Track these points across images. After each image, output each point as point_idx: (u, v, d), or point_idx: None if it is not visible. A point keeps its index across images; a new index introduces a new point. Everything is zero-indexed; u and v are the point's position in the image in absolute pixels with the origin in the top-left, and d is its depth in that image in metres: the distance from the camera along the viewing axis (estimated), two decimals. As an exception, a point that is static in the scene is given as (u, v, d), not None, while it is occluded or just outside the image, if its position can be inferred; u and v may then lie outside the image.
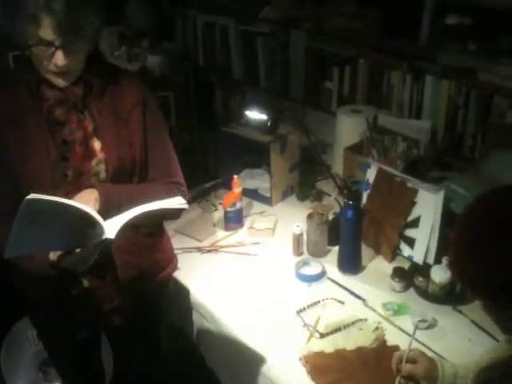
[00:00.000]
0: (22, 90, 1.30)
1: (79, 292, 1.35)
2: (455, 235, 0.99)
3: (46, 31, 1.17)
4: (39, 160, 1.29)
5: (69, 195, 1.22)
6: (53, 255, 1.17)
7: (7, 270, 1.38)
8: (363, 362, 1.39)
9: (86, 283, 1.36)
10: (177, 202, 1.25)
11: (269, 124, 1.95)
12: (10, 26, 1.21)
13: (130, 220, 1.17)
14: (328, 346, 1.44)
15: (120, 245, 1.27)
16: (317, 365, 1.39)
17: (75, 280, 1.32)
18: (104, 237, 1.13)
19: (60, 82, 1.28)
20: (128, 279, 1.43)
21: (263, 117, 1.98)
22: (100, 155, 1.33)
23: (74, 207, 1.06)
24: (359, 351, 1.42)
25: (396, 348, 1.41)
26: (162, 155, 1.43)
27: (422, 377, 1.24)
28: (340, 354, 1.42)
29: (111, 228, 1.13)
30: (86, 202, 1.16)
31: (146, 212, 1.18)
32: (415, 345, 1.45)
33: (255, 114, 1.99)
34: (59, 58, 1.21)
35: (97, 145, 1.33)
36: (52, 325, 1.48)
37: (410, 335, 1.46)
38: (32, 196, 0.99)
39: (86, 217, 1.09)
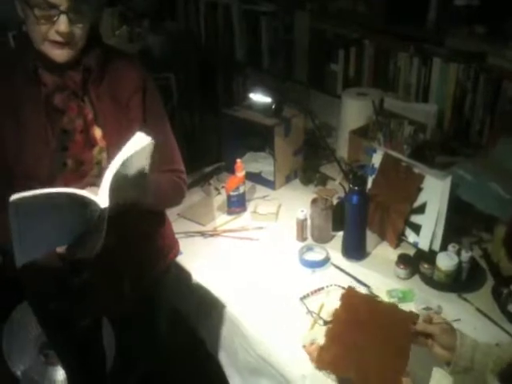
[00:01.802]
0: (19, 75, 1.24)
1: (81, 281, 1.33)
2: None
3: None
4: (37, 148, 1.24)
5: (69, 184, 1.19)
6: (59, 248, 1.15)
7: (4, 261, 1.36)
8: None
9: (87, 272, 1.33)
10: (140, 140, 1.14)
11: (273, 107, 1.91)
12: None
13: (113, 181, 1.10)
14: (332, 333, 1.42)
15: (121, 232, 1.24)
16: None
17: (77, 269, 1.30)
18: (100, 208, 1.09)
19: (58, 55, 1.20)
20: (130, 267, 1.41)
21: (267, 100, 1.94)
22: (101, 143, 1.29)
23: (58, 193, 1.02)
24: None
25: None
26: (162, 142, 1.39)
27: (438, 333, 1.21)
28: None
29: (102, 198, 1.09)
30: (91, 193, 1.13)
31: (121, 164, 1.10)
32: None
33: (259, 97, 1.95)
34: (62, 24, 1.15)
35: (97, 133, 1.29)
36: (52, 314, 1.46)
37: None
38: (14, 197, 0.96)
39: (75, 198, 1.05)
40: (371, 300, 1.44)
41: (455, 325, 1.26)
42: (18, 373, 2.17)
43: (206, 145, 2.57)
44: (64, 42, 1.19)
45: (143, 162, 1.19)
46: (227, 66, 2.96)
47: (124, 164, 1.12)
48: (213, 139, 2.55)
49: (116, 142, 1.24)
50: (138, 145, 1.14)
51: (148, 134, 1.33)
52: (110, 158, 1.27)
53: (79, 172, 1.28)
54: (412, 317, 1.30)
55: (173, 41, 2.86)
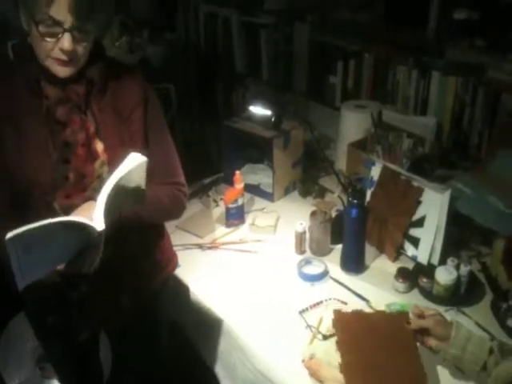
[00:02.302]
0: (21, 86, 1.24)
1: (79, 295, 1.32)
2: None
3: (59, 9, 1.11)
4: (38, 161, 1.24)
5: (71, 198, 1.19)
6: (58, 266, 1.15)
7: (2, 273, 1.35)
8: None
9: (85, 286, 1.33)
10: (134, 160, 1.16)
11: (273, 120, 1.91)
12: (14, 5, 1.16)
13: (108, 201, 1.11)
14: (331, 347, 1.41)
15: (120, 246, 1.24)
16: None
17: (76, 283, 1.29)
18: (97, 231, 1.09)
19: (60, 71, 1.21)
20: (128, 280, 1.40)
21: (267, 112, 1.94)
22: (103, 157, 1.29)
23: (53, 223, 1.03)
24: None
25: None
26: (163, 155, 1.40)
27: (432, 327, 1.26)
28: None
29: (98, 221, 1.09)
30: (87, 214, 1.13)
31: (115, 185, 1.11)
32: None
33: (259, 110, 1.95)
34: (66, 42, 1.15)
35: (99, 146, 1.29)
36: (50, 328, 1.45)
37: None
38: (10, 234, 0.96)
39: (71, 226, 1.06)
40: (361, 314, 1.42)
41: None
42: (14, 386, 2.14)
43: (205, 155, 2.57)
44: (67, 59, 1.19)
45: (138, 181, 1.20)
46: (227, 77, 2.97)
47: (118, 184, 1.13)
48: (212, 150, 2.55)
49: (118, 155, 1.24)
50: (132, 164, 1.15)
51: (149, 149, 1.34)
52: (111, 171, 1.27)
53: (80, 185, 1.28)
54: (404, 317, 1.31)
55: (172, 51, 2.87)
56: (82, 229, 1.07)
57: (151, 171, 1.36)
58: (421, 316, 1.32)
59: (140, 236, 1.39)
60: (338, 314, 1.42)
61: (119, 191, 1.15)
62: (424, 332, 1.29)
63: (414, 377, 1.25)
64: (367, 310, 1.56)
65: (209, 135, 2.69)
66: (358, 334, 1.34)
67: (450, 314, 1.53)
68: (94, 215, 1.09)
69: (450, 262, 1.60)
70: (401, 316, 1.35)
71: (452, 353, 1.23)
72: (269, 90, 2.72)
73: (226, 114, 2.65)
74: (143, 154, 1.30)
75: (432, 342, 1.27)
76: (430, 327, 1.27)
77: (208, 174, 2.30)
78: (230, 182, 2.20)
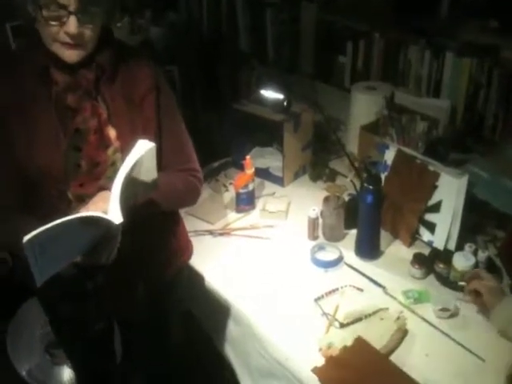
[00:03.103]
0: (27, 74, 1.20)
1: (95, 285, 1.30)
2: None
3: None
4: (49, 149, 1.20)
5: (84, 187, 1.15)
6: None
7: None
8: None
9: (101, 277, 1.30)
10: (143, 147, 1.14)
11: (285, 104, 1.87)
12: None
13: (122, 192, 1.09)
14: (348, 336, 1.39)
15: (134, 234, 1.21)
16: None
17: (92, 274, 1.27)
18: (115, 224, 1.07)
19: (68, 55, 1.17)
20: (144, 269, 1.37)
21: (279, 96, 1.89)
22: (116, 144, 1.25)
23: (70, 220, 1.01)
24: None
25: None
26: (177, 142, 1.36)
27: (484, 292, 1.34)
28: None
29: (115, 214, 1.07)
30: (103, 204, 1.10)
31: (127, 174, 1.10)
32: (437, 334, 1.43)
33: (270, 93, 1.91)
34: (72, 25, 1.11)
35: (112, 133, 1.25)
36: (65, 318, 1.43)
37: (432, 325, 1.44)
38: (27, 237, 0.95)
39: (88, 220, 1.04)
40: (380, 356, 1.35)
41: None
42: (23, 373, 2.13)
43: (211, 139, 2.52)
44: (74, 43, 1.15)
45: (149, 167, 1.17)
46: (231, 59, 2.90)
47: (130, 172, 1.11)
48: (216, 133, 2.50)
49: (131, 142, 1.21)
50: (142, 151, 1.13)
51: (162, 136, 1.30)
52: (125, 158, 1.23)
53: (94, 174, 1.24)
54: None
55: (175, 32, 2.80)
56: (100, 222, 1.04)
57: (165, 158, 1.33)
58: (477, 277, 1.39)
59: (156, 224, 1.36)
60: (360, 341, 1.37)
61: (132, 180, 1.13)
62: (477, 293, 1.37)
63: None
64: (384, 296, 1.55)
65: (214, 118, 2.64)
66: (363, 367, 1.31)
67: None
68: (110, 207, 1.06)
69: (468, 247, 1.58)
70: None
71: (496, 325, 1.32)
72: (275, 71, 2.66)
73: (231, 97, 2.60)
74: (156, 141, 1.27)
75: (480, 304, 1.38)
76: (483, 292, 1.34)
77: (215, 158, 2.25)
78: (238, 165, 2.17)
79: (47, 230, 0.97)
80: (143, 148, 1.13)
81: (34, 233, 0.95)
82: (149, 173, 1.18)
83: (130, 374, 1.76)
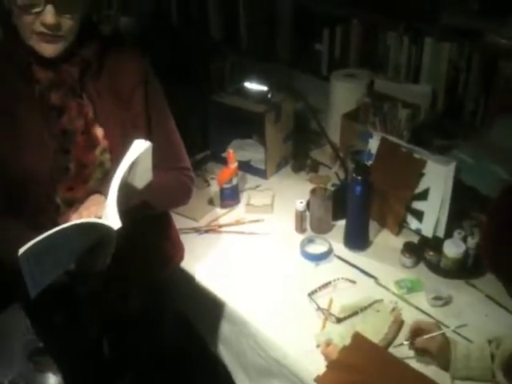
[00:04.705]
0: (10, 72, 1.13)
1: (87, 290, 1.25)
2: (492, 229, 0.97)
3: None
4: (34, 151, 1.14)
5: (73, 190, 1.09)
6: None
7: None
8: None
9: (94, 282, 1.25)
10: (139, 146, 1.09)
11: (269, 95, 1.82)
12: None
13: (119, 197, 1.05)
14: (346, 331, 1.38)
15: (129, 237, 1.16)
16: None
17: (85, 280, 1.21)
18: (114, 230, 1.02)
19: (46, 49, 1.10)
20: (136, 271, 1.33)
21: (263, 88, 1.85)
22: (103, 143, 1.19)
23: (67, 228, 0.96)
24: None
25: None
26: (166, 139, 1.31)
27: (435, 354, 1.26)
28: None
29: (113, 219, 1.02)
30: (96, 209, 1.05)
31: (124, 176, 1.05)
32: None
33: (252, 85, 1.86)
34: (48, 14, 1.04)
35: (99, 132, 1.19)
36: (56, 326, 1.37)
37: (427, 313, 1.44)
38: (23, 249, 0.91)
39: (85, 227, 0.99)
40: (380, 350, 1.34)
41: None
42: (6, 382, 2.07)
43: (186, 131, 2.46)
44: (52, 34, 1.08)
45: (145, 167, 1.13)
46: (202, 47, 2.83)
47: (126, 175, 1.06)
48: (193, 126, 2.44)
49: (119, 140, 1.16)
50: (138, 151, 1.08)
51: (151, 133, 1.24)
52: (114, 159, 1.18)
53: (82, 176, 1.19)
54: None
55: (145, 22, 2.70)
56: (98, 229, 1.00)
57: (155, 156, 1.28)
58: (418, 329, 1.29)
59: (149, 226, 1.32)
60: (358, 336, 1.34)
61: (128, 182, 1.08)
62: (424, 350, 1.28)
63: None
64: (377, 287, 1.54)
65: (188, 109, 2.57)
66: (365, 364, 1.28)
67: (459, 287, 1.53)
68: (107, 212, 1.01)
69: (457, 234, 1.59)
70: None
71: (458, 376, 1.23)
72: (248, 59, 2.60)
73: (204, 87, 2.53)
74: (146, 138, 1.22)
75: (431, 358, 1.28)
76: (432, 351, 1.26)
77: (193, 152, 2.19)
78: (218, 159, 2.12)
79: (43, 240, 0.92)
80: (140, 148, 1.08)
81: (29, 244, 0.91)
82: (144, 174, 1.13)
83: (121, 376, 1.72)
